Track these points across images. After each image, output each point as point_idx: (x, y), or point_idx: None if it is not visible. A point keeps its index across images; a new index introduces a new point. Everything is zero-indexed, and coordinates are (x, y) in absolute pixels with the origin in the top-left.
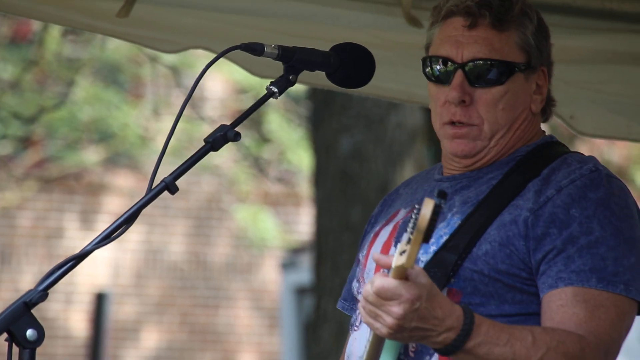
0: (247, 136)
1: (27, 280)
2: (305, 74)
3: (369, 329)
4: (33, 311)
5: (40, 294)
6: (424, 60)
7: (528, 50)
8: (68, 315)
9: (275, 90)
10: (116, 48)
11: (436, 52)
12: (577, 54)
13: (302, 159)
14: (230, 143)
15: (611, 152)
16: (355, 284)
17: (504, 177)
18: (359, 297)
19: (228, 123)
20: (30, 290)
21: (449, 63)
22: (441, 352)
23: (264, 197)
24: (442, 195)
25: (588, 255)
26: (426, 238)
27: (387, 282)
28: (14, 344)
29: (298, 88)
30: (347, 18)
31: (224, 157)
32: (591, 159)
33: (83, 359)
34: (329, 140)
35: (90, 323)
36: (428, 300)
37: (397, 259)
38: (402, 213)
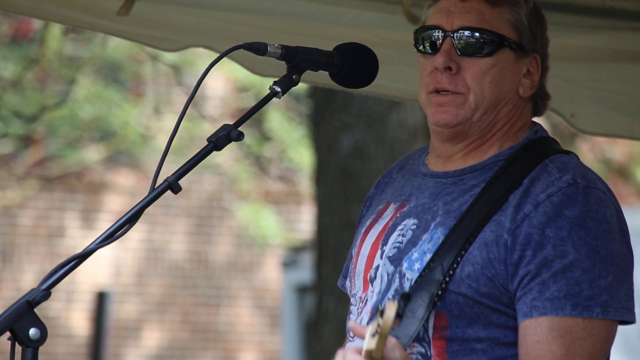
0: (248, 134)
1: (28, 279)
2: (306, 73)
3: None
4: (35, 310)
5: (43, 293)
6: (415, 33)
7: (520, 30)
8: (69, 314)
9: (279, 90)
10: (117, 46)
11: (428, 23)
12: (577, 52)
13: (303, 157)
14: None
15: (612, 150)
16: (347, 283)
17: (487, 185)
18: (352, 300)
19: (229, 121)
20: (33, 289)
21: (439, 31)
22: None
23: (265, 195)
24: (405, 298)
25: (563, 281)
26: (392, 328)
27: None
28: (16, 343)
29: (299, 86)
30: (348, 16)
31: (225, 155)
32: (571, 164)
33: (84, 357)
34: (330, 139)
35: (92, 322)
36: None
37: (368, 342)
38: (391, 209)
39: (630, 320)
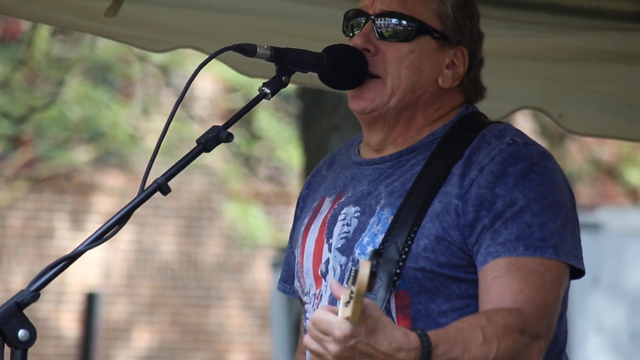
0: (237, 134)
1: (17, 280)
2: (296, 73)
3: None
4: (24, 311)
5: (32, 294)
6: (344, 19)
7: (444, 20)
8: (59, 316)
9: (268, 91)
10: (105, 47)
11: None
12: (564, 53)
13: (292, 156)
14: None
15: (601, 150)
16: (296, 284)
17: (427, 163)
18: (305, 298)
19: (218, 122)
20: (22, 291)
21: (361, 15)
22: None
23: (254, 196)
24: (377, 254)
25: (514, 225)
26: (368, 290)
27: (321, 315)
28: (5, 344)
29: (288, 87)
30: (337, 17)
31: (215, 156)
32: (508, 130)
33: (74, 359)
34: (320, 140)
35: (81, 323)
36: (369, 335)
37: (342, 311)
38: (327, 202)
39: (579, 268)
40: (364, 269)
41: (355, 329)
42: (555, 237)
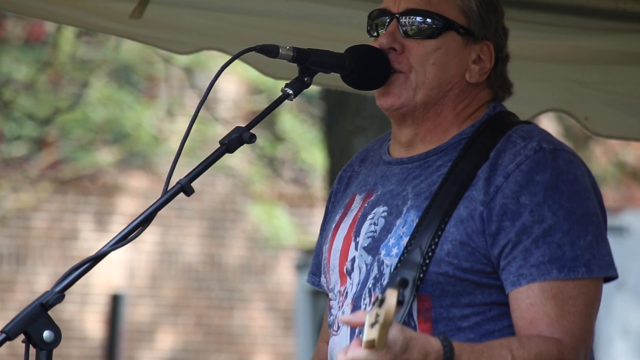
0: (261, 136)
1: (42, 281)
2: (319, 75)
3: (348, 334)
4: (49, 312)
5: (57, 295)
6: (368, 19)
7: (469, 15)
8: (83, 317)
9: (290, 92)
10: (129, 49)
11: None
12: (590, 55)
13: (316, 158)
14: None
15: (626, 152)
16: (322, 279)
17: (454, 164)
18: (331, 295)
19: (242, 123)
20: (47, 292)
21: (386, 14)
22: None
23: (278, 198)
24: (403, 284)
25: (544, 246)
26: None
27: (357, 354)
28: (31, 345)
29: (311, 88)
30: (360, 19)
31: (239, 157)
32: (534, 132)
33: None
34: (343, 141)
35: (106, 324)
36: (404, 352)
37: (368, 332)
38: (358, 200)
39: (614, 276)
40: (391, 299)
41: (392, 350)
42: (587, 253)
